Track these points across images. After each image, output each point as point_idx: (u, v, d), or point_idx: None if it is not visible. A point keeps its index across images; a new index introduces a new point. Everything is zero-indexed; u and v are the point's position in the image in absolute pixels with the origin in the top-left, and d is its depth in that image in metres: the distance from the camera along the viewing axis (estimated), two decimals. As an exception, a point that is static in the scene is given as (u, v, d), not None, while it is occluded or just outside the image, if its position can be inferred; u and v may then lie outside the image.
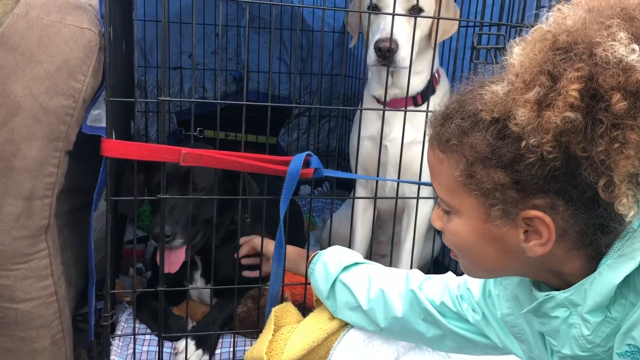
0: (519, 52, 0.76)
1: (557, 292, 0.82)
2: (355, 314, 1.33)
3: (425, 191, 1.79)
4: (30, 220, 1.35)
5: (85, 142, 1.40)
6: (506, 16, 1.68)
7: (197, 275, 1.72)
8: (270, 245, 1.55)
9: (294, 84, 1.55)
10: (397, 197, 1.66)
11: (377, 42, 1.60)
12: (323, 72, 3.08)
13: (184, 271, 1.62)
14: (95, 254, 1.49)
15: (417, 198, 1.68)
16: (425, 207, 1.83)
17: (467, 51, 1.69)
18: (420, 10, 1.68)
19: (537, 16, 1.64)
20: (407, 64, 1.60)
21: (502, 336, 1.07)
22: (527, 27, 1.60)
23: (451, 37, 1.80)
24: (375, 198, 1.67)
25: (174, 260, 1.58)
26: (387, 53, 1.58)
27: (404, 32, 1.61)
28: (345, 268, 1.37)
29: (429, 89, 1.78)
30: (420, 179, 1.65)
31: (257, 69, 2.99)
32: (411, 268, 1.79)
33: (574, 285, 0.80)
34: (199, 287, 1.73)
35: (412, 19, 1.60)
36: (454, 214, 0.85)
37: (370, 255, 1.81)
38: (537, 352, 0.97)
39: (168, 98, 1.37)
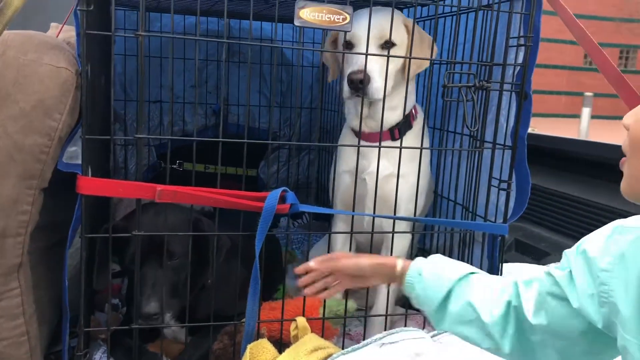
0: None
1: None
2: (470, 328, 1.18)
3: (402, 225, 1.81)
4: (2, 259, 1.34)
5: (62, 177, 1.40)
6: (477, 55, 1.73)
7: (172, 320, 1.70)
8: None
9: (271, 119, 1.58)
10: (372, 232, 1.68)
11: (349, 74, 1.64)
12: (303, 106, 3.12)
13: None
14: (70, 291, 1.48)
15: (392, 233, 1.69)
16: (403, 241, 1.85)
17: (440, 88, 1.74)
18: (393, 44, 1.73)
19: (506, 54, 1.69)
20: (381, 95, 1.64)
21: (581, 295, 0.99)
22: (497, 65, 1.67)
23: (425, 75, 1.84)
24: (351, 233, 1.69)
25: None
26: (359, 84, 1.62)
27: (376, 65, 1.66)
28: (461, 278, 1.21)
29: (406, 123, 1.82)
30: (395, 213, 1.67)
31: (237, 102, 3.02)
32: (387, 301, 1.80)
33: None
34: (174, 325, 1.72)
35: (385, 52, 1.65)
36: None
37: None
38: (628, 312, 0.90)
39: (145, 135, 1.38)
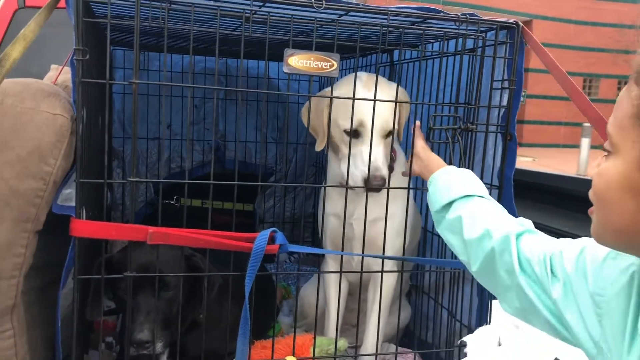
0: None
1: None
2: (455, 237, 1.30)
3: (390, 263, 1.83)
4: (-5, 301, 1.36)
5: (56, 217, 1.43)
6: (463, 97, 1.78)
7: (164, 358, 1.72)
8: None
9: (264, 155, 1.61)
10: (362, 272, 1.70)
11: (371, 178, 1.66)
12: (299, 141, 3.18)
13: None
14: (63, 331, 1.49)
15: (382, 272, 1.72)
16: (391, 279, 1.87)
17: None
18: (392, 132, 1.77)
19: (491, 96, 1.74)
20: None
21: (575, 315, 1.00)
22: (482, 107, 1.71)
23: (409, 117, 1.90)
24: (340, 272, 1.71)
25: None
26: (380, 185, 1.67)
27: (386, 158, 1.71)
28: (467, 196, 1.33)
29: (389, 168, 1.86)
30: (384, 253, 1.69)
31: (234, 139, 3.07)
32: (378, 339, 1.81)
33: None
34: (166, 361, 1.73)
35: (386, 142, 1.73)
36: (612, 154, 0.85)
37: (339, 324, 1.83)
38: (611, 339, 0.91)
39: (137, 179, 1.41)
